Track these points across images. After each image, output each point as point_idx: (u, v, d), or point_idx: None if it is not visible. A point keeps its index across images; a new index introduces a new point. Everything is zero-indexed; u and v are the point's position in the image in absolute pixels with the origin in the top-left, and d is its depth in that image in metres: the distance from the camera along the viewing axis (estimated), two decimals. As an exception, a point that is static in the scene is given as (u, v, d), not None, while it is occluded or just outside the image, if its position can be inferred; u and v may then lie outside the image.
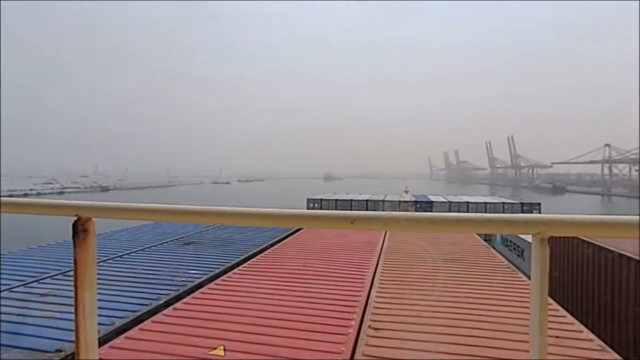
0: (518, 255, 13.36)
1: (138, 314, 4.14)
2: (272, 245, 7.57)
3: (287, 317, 3.85)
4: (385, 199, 27.52)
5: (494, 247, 9.09)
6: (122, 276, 5.40)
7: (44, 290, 4.75)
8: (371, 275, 5.45)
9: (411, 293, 4.67)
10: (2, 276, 5.11)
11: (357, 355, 3.21)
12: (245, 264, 6.00)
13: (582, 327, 3.82)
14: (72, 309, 1.17)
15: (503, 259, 6.85)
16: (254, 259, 6.33)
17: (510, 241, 14.59)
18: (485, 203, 26.38)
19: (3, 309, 4.07)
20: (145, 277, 5.42)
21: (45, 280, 5.17)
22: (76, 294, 1.17)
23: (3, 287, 4.78)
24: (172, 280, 5.34)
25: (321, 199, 26.64)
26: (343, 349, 3.28)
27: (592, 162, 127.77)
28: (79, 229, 1.17)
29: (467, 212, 23.49)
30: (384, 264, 6.08)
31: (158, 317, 3.91)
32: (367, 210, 17.84)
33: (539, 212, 23.85)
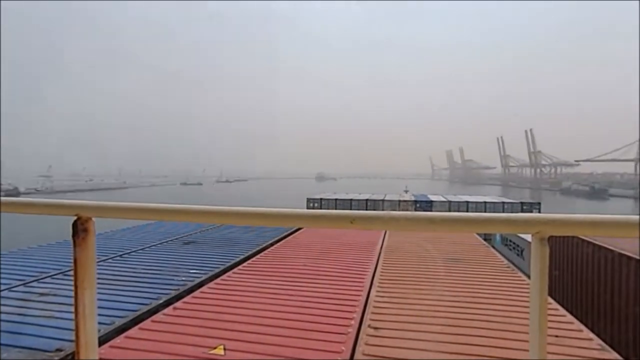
0: (518, 255, 13.36)
1: (138, 313, 4.14)
2: (272, 244, 7.57)
3: (287, 317, 3.85)
4: (385, 198, 27.51)
5: (494, 247, 9.09)
6: (122, 276, 5.40)
7: (44, 289, 4.76)
8: (371, 275, 5.45)
9: (411, 293, 4.67)
10: (2, 276, 5.11)
11: (357, 355, 3.21)
12: (245, 264, 6.00)
13: (582, 327, 3.82)
14: (72, 309, 1.18)
15: (503, 259, 6.85)
16: (254, 259, 6.33)
17: (510, 241, 14.59)
18: (485, 203, 26.37)
19: (3, 308, 4.08)
20: (146, 276, 5.42)
21: (45, 280, 5.17)
22: (76, 293, 1.17)
23: (3, 287, 4.78)
24: (172, 279, 5.35)
25: (321, 199, 26.64)
26: (343, 348, 3.28)
27: (626, 160, 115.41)
28: (79, 229, 1.17)
29: (467, 211, 23.49)
30: (384, 263, 6.08)
31: (158, 316, 3.92)
32: (367, 209, 17.82)
33: (539, 212, 23.89)
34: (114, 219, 1.21)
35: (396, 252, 6.85)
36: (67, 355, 3.16)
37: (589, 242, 6.96)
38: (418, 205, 26.76)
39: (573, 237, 7.37)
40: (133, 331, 3.58)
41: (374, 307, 4.20)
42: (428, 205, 26.91)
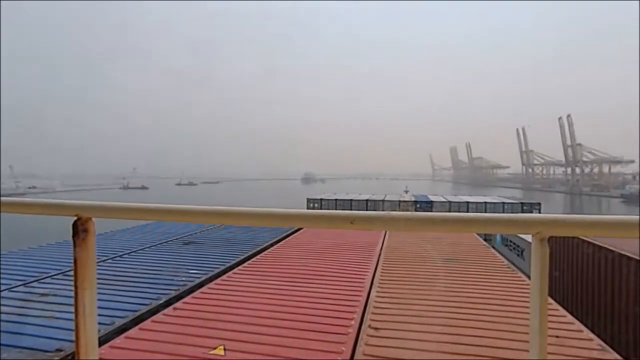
0: (518, 255, 13.36)
1: (138, 313, 4.14)
2: (272, 245, 7.57)
3: (287, 317, 3.85)
4: (385, 199, 27.55)
5: (494, 247, 9.09)
6: (122, 276, 5.40)
7: (44, 290, 4.76)
8: (371, 275, 5.45)
9: (411, 293, 4.67)
10: (2, 276, 5.12)
11: (357, 355, 3.21)
12: (245, 264, 6.00)
13: (582, 327, 3.82)
14: (72, 309, 1.18)
15: (503, 259, 6.85)
16: (254, 259, 6.33)
17: (510, 241, 14.59)
18: (485, 203, 26.41)
19: (3, 309, 4.08)
20: (146, 276, 5.42)
21: (45, 280, 5.17)
22: (76, 293, 1.17)
23: (3, 287, 4.78)
24: (173, 280, 5.35)
25: (321, 199, 26.66)
26: (343, 348, 3.28)
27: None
28: (79, 229, 1.17)
29: (467, 212, 23.51)
30: (384, 263, 6.08)
31: (158, 316, 3.92)
32: (367, 210, 17.88)
33: (539, 212, 23.90)
34: (114, 219, 1.21)
35: (396, 252, 6.85)
36: (67, 356, 3.16)
37: (589, 243, 6.96)
38: (418, 205, 26.78)
39: (573, 237, 7.37)
40: (133, 331, 3.58)
41: (374, 307, 4.20)
42: (428, 205, 26.94)
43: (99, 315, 1.27)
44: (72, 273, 1.18)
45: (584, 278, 7.07)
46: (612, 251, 6.22)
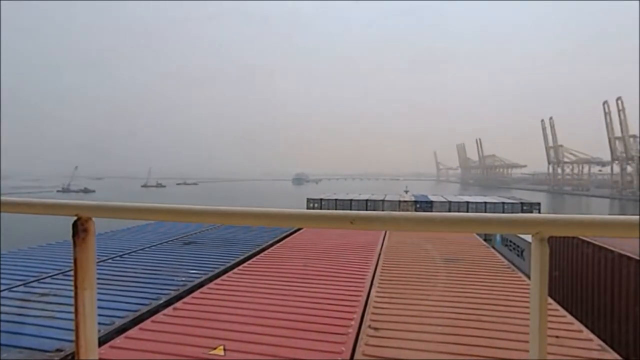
0: (518, 255, 13.35)
1: (138, 313, 4.14)
2: (272, 245, 7.57)
3: (287, 317, 3.85)
4: (385, 199, 27.56)
5: (494, 247, 9.10)
6: (122, 276, 5.40)
7: (44, 290, 4.76)
8: (371, 275, 5.45)
9: (411, 293, 4.67)
10: (2, 276, 5.11)
11: (357, 355, 3.21)
12: (245, 264, 6.00)
13: (582, 327, 3.82)
14: (72, 309, 1.18)
15: (503, 259, 6.86)
16: (254, 259, 6.33)
17: (510, 241, 14.58)
18: (485, 203, 26.42)
19: (3, 308, 4.08)
20: (145, 277, 5.42)
21: (45, 280, 5.17)
22: (76, 293, 1.17)
23: (3, 287, 4.78)
24: (172, 280, 5.34)
25: (321, 199, 26.65)
26: (343, 349, 3.28)
27: None
28: (79, 229, 1.17)
29: (467, 212, 23.50)
30: (384, 264, 6.08)
31: (158, 317, 3.91)
32: (367, 210, 17.86)
33: (539, 212, 23.88)
34: (114, 219, 1.21)
35: (396, 252, 6.85)
36: (67, 356, 3.16)
37: (589, 243, 6.96)
38: (418, 205, 26.78)
39: (573, 237, 7.37)
40: (133, 331, 3.58)
41: (374, 307, 4.20)
42: (428, 205, 26.93)
43: (99, 315, 1.27)
44: (72, 273, 1.18)
45: (584, 278, 7.07)
46: (612, 251, 6.22)
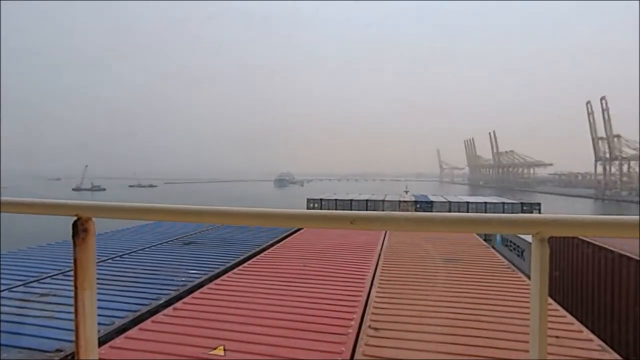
0: (518, 255, 13.35)
1: (138, 314, 4.14)
2: (272, 245, 7.57)
3: (287, 317, 3.85)
4: (385, 199, 27.58)
5: (494, 247, 9.10)
6: (122, 276, 5.40)
7: (44, 290, 4.75)
8: (371, 275, 5.44)
9: (411, 293, 4.67)
10: (2, 276, 5.11)
11: (357, 355, 3.21)
12: (245, 264, 6.00)
13: (582, 327, 3.82)
14: (72, 309, 1.17)
15: (503, 259, 6.86)
16: (254, 259, 6.33)
17: (510, 241, 14.58)
18: (485, 203, 26.44)
19: (3, 309, 4.07)
20: (145, 277, 5.42)
21: (45, 280, 5.17)
22: (76, 294, 1.17)
23: (3, 287, 4.78)
24: (172, 280, 5.34)
25: (321, 199, 26.68)
26: (343, 349, 3.28)
27: None
28: (79, 229, 1.17)
29: (467, 212, 23.50)
30: (384, 264, 6.08)
31: (158, 317, 3.91)
32: (367, 210, 17.87)
33: (539, 212, 23.86)
34: (114, 219, 1.21)
35: (396, 252, 6.85)
36: (67, 356, 3.16)
37: (589, 243, 6.96)
38: (418, 205, 26.81)
39: (573, 237, 7.37)
40: (133, 331, 3.58)
41: (374, 307, 4.20)
42: (428, 205, 26.95)
43: (99, 315, 1.27)
44: (72, 273, 1.18)
45: (584, 278, 7.07)
46: (612, 251, 6.22)
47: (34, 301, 4.39)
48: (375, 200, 26.89)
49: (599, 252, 6.60)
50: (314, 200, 26.60)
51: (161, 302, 4.51)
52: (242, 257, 6.69)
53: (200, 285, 5.13)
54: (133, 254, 6.86)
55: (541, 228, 0.94)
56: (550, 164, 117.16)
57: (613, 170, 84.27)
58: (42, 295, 4.58)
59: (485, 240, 8.75)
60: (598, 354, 3.28)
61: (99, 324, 1.39)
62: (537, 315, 0.96)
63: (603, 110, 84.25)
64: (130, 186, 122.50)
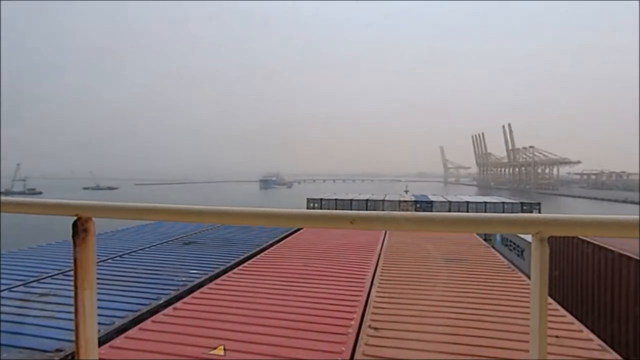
0: (518, 255, 13.35)
1: (138, 314, 4.14)
2: (272, 245, 7.57)
3: (287, 317, 3.85)
4: (385, 198, 27.59)
5: (494, 247, 9.09)
6: (122, 276, 5.40)
7: (44, 290, 4.76)
8: (371, 275, 5.45)
9: (411, 293, 4.67)
10: (2, 276, 5.11)
11: (357, 355, 3.21)
12: (245, 264, 6.00)
13: (582, 327, 3.82)
14: (72, 309, 1.17)
15: (503, 259, 6.86)
16: (254, 259, 6.33)
17: (510, 241, 14.58)
18: (485, 203, 26.45)
19: (3, 309, 4.08)
20: (145, 277, 5.42)
21: (45, 280, 5.17)
22: (76, 293, 1.17)
23: (3, 287, 4.78)
24: (172, 280, 5.34)
25: (321, 199, 26.69)
26: (343, 349, 3.28)
27: None
28: (79, 229, 1.17)
29: (467, 211, 23.51)
30: (384, 263, 6.08)
31: (158, 317, 3.91)
32: (367, 210, 17.88)
33: (539, 212, 23.88)
34: (114, 219, 1.21)
35: (396, 252, 6.85)
36: (67, 356, 3.16)
37: (589, 243, 6.96)
38: (418, 205, 26.82)
39: (573, 237, 7.37)
40: (133, 331, 3.58)
41: (374, 307, 4.20)
42: (428, 205, 26.96)
43: (99, 315, 1.27)
44: (72, 273, 1.18)
45: (584, 278, 7.07)
46: (612, 251, 6.22)
47: (34, 301, 4.39)
48: (375, 200, 26.89)
49: (598, 251, 6.60)
50: (314, 200, 26.61)
51: (161, 302, 4.51)
52: (242, 257, 6.70)
53: (201, 285, 5.13)
54: (133, 253, 6.86)
55: (541, 228, 0.94)
56: (578, 162, 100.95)
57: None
58: (42, 295, 4.58)
59: (485, 240, 8.75)
60: (598, 354, 3.28)
61: (99, 323, 1.39)
62: (537, 314, 0.96)
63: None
64: (85, 188, 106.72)
